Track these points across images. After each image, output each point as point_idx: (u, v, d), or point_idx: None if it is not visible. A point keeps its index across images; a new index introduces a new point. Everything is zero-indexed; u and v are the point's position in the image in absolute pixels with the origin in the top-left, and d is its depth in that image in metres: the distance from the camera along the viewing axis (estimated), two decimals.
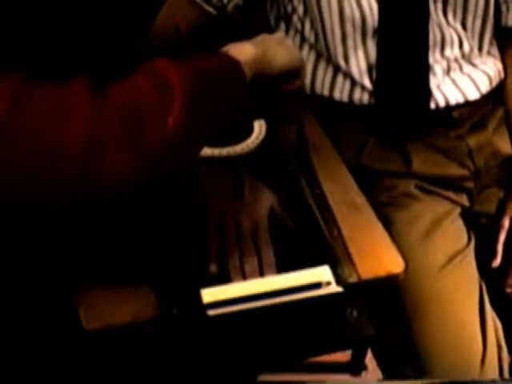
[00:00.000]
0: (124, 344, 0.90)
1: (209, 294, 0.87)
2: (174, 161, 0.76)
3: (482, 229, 1.28)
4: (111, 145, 0.69)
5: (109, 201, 0.73)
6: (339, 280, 0.90)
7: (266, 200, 0.97)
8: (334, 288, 0.89)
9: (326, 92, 1.23)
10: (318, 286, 0.89)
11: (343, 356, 1.10)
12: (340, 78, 1.22)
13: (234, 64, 0.85)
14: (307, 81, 1.24)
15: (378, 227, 1.02)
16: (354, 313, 0.91)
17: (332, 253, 0.94)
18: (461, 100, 1.22)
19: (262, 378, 1.00)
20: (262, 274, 0.92)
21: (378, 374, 1.10)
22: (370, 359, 1.11)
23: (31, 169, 0.68)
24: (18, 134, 0.67)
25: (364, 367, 1.10)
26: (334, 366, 1.10)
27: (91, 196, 0.71)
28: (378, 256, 0.98)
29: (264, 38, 0.94)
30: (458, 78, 1.22)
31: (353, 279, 0.91)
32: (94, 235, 0.89)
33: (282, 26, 1.25)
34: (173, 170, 0.77)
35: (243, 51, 0.88)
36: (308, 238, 0.96)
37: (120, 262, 0.91)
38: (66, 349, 0.94)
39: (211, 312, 0.86)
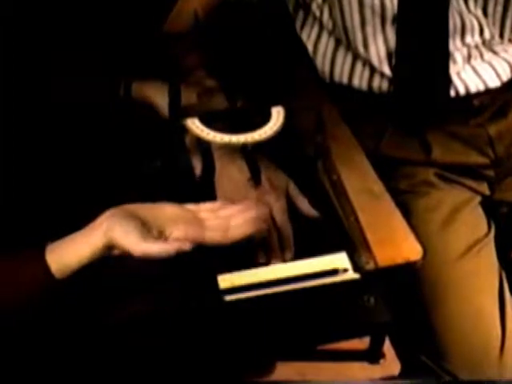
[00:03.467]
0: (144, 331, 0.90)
1: (225, 280, 0.87)
2: None
3: (502, 218, 1.27)
4: None
5: None
6: (356, 267, 0.90)
7: (283, 185, 0.97)
8: (351, 275, 0.89)
9: (344, 80, 1.23)
10: (335, 272, 0.90)
11: (361, 344, 1.10)
12: (359, 66, 1.21)
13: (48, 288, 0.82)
14: (326, 68, 1.24)
15: (397, 215, 1.02)
16: (372, 300, 0.91)
17: (349, 240, 0.94)
18: (481, 88, 1.21)
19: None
20: (282, 251, 0.92)
21: (396, 362, 1.09)
22: (387, 347, 1.11)
23: None
24: None
25: (382, 355, 1.10)
26: (352, 354, 1.10)
27: None
28: (396, 243, 0.97)
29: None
30: (479, 65, 1.21)
31: (370, 266, 0.91)
32: None
33: (301, 13, 1.24)
34: None
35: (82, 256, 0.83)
36: (325, 224, 0.96)
37: None
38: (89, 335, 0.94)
39: (228, 297, 0.87)
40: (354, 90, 1.23)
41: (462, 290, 1.11)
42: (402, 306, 1.13)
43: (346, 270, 0.89)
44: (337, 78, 1.24)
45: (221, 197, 0.97)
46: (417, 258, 0.96)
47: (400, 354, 1.11)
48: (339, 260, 0.90)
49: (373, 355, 1.08)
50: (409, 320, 1.13)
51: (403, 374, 1.09)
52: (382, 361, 1.09)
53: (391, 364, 1.10)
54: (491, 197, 1.26)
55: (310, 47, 1.25)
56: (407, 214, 1.15)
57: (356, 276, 0.89)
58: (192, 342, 0.89)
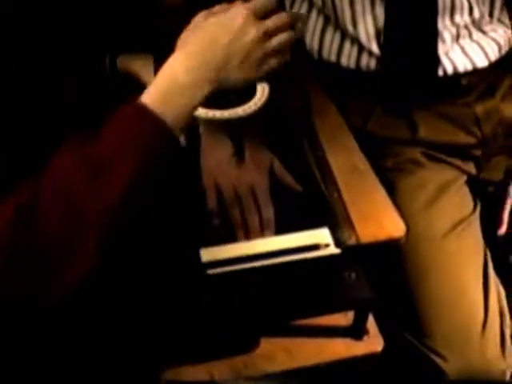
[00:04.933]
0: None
1: (208, 253, 0.88)
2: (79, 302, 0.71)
3: (488, 197, 1.27)
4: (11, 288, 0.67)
5: None
6: (338, 242, 0.91)
7: (266, 159, 0.97)
8: (333, 250, 0.90)
9: (333, 58, 1.23)
10: (316, 247, 0.90)
11: (345, 320, 1.11)
12: (347, 44, 1.21)
13: (169, 142, 0.74)
14: (315, 46, 1.24)
15: (380, 192, 1.02)
16: (353, 275, 0.91)
17: (332, 215, 0.94)
18: (469, 67, 1.21)
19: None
20: (262, 231, 0.93)
21: (379, 339, 1.10)
22: (371, 324, 1.11)
23: None
24: None
25: (365, 332, 1.10)
26: (336, 330, 1.11)
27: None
28: (379, 220, 0.98)
29: (212, 50, 0.80)
30: (467, 45, 1.21)
31: (352, 242, 0.92)
32: None
33: None
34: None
35: (187, 105, 0.76)
36: (308, 200, 0.97)
37: None
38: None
39: (210, 271, 0.87)
40: (342, 68, 1.23)
41: (446, 268, 1.12)
42: (386, 283, 1.14)
43: (327, 245, 0.89)
44: (325, 55, 1.24)
45: (205, 172, 0.97)
46: (399, 234, 0.97)
47: (383, 331, 1.11)
48: (321, 235, 0.91)
49: (356, 332, 1.09)
50: (392, 297, 1.14)
51: (386, 351, 1.09)
52: (365, 337, 1.10)
53: (374, 341, 1.10)
54: (477, 176, 1.26)
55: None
56: (393, 191, 1.16)
57: (337, 251, 0.89)
58: (174, 314, 0.89)
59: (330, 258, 0.90)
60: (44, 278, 0.67)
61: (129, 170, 0.70)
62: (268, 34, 0.83)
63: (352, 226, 0.93)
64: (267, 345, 1.09)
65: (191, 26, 0.84)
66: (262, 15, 0.84)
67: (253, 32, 0.82)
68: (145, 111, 0.73)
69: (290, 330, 1.08)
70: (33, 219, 0.67)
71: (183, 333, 0.95)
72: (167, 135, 0.73)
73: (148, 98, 0.74)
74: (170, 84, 0.77)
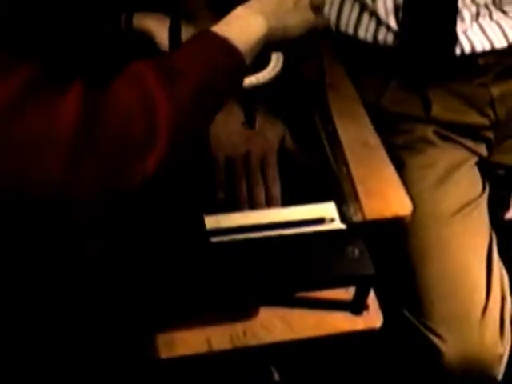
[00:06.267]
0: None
1: (212, 221, 0.88)
2: (153, 192, 0.71)
3: (498, 180, 1.27)
4: (84, 188, 0.66)
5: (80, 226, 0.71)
6: (344, 218, 0.90)
7: (277, 132, 0.96)
8: (337, 225, 0.89)
9: (350, 30, 1.21)
10: (321, 221, 0.90)
11: (346, 294, 1.11)
12: (366, 17, 1.20)
13: (233, 57, 0.77)
14: (333, 18, 1.22)
15: (389, 169, 1.01)
16: (356, 251, 0.91)
17: (339, 190, 0.94)
18: (487, 47, 1.19)
19: None
20: (268, 205, 0.93)
21: (379, 315, 1.10)
22: (372, 300, 1.11)
23: (9, 181, 0.65)
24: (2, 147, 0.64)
25: (365, 307, 1.11)
26: (337, 304, 1.11)
27: (62, 222, 0.69)
28: (386, 197, 0.98)
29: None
30: (487, 24, 1.20)
31: (357, 218, 0.91)
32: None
33: None
34: (150, 200, 0.74)
35: (249, 32, 0.80)
36: (317, 173, 0.96)
37: None
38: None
39: (213, 238, 0.87)
40: (359, 41, 1.21)
41: (450, 248, 1.12)
42: (390, 259, 1.14)
43: (332, 220, 0.89)
44: (343, 28, 1.22)
45: (215, 143, 0.96)
46: (405, 213, 0.96)
47: (383, 307, 1.11)
48: (327, 209, 0.90)
49: (356, 306, 1.09)
50: (395, 273, 1.14)
51: (385, 327, 1.10)
52: (364, 313, 1.10)
53: (374, 317, 1.10)
54: (488, 158, 1.25)
55: None
56: (402, 169, 1.15)
57: (342, 226, 0.89)
58: (176, 279, 0.89)
59: (335, 232, 0.89)
60: (122, 164, 0.67)
61: (198, 78, 0.73)
62: None
63: (358, 202, 0.93)
64: (266, 314, 1.09)
65: None
66: None
67: None
68: (208, 31, 0.78)
69: (290, 301, 1.08)
70: (105, 106, 0.68)
71: (182, 295, 0.95)
72: (233, 52, 0.77)
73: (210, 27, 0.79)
74: (230, 16, 0.81)
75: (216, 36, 0.77)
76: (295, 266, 0.90)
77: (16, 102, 0.65)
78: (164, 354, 1.05)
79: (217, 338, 1.07)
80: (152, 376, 1.06)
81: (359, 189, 0.96)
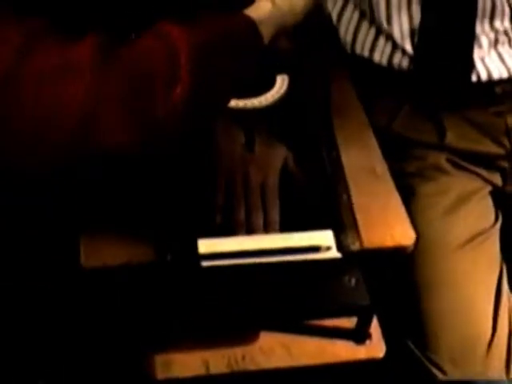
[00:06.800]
0: (119, 284, 0.90)
1: (205, 245, 0.87)
2: (180, 129, 0.74)
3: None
4: (112, 112, 0.68)
5: (106, 164, 0.72)
6: (340, 246, 0.89)
7: (280, 156, 0.95)
8: (333, 253, 0.88)
9: (366, 53, 1.20)
10: (317, 249, 0.88)
11: (349, 323, 1.09)
12: (381, 41, 1.18)
13: (249, 24, 0.82)
14: (348, 39, 1.21)
15: (394, 197, 0.99)
16: (353, 281, 0.89)
17: (338, 218, 0.92)
18: (505, 75, 1.17)
19: None
20: (265, 231, 0.91)
21: (382, 345, 1.08)
22: (375, 329, 1.09)
23: (29, 121, 0.67)
24: (21, 86, 0.66)
25: (368, 336, 1.08)
26: (339, 332, 1.09)
27: (86, 158, 0.70)
28: (389, 226, 0.95)
29: None
30: (506, 52, 1.17)
31: (355, 247, 0.89)
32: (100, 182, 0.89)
33: None
34: (178, 138, 0.75)
35: (259, 9, 0.86)
36: (317, 200, 0.94)
37: (126, 205, 0.91)
38: (65, 284, 0.95)
39: (205, 263, 0.86)
40: (374, 64, 1.20)
41: (457, 281, 1.09)
42: (396, 288, 1.11)
43: (328, 248, 0.87)
44: (358, 50, 1.21)
45: (216, 165, 0.95)
46: (408, 243, 0.94)
47: (387, 338, 1.09)
48: (324, 237, 0.88)
49: (359, 335, 1.07)
50: (401, 303, 1.12)
51: (387, 358, 1.07)
52: (367, 342, 1.08)
53: (376, 346, 1.08)
54: (503, 188, 1.22)
55: (334, 16, 1.22)
56: (412, 197, 1.13)
57: (338, 255, 0.87)
58: (166, 301, 0.88)
59: (330, 261, 0.87)
60: (148, 92, 0.69)
61: (215, 35, 0.77)
62: None
63: (357, 231, 0.91)
64: (266, 340, 1.07)
65: None
66: None
67: None
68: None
69: (291, 327, 1.07)
70: (125, 46, 0.71)
71: (178, 317, 0.94)
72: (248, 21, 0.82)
73: None
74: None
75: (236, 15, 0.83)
76: (289, 295, 0.88)
77: (33, 40, 0.67)
78: (161, 374, 1.05)
79: (215, 361, 1.06)
80: None
81: (361, 217, 0.94)
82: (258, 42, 0.83)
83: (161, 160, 0.86)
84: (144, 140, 0.70)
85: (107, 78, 0.68)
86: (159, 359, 1.05)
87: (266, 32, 0.84)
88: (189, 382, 1.05)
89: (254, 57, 0.83)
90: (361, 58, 1.21)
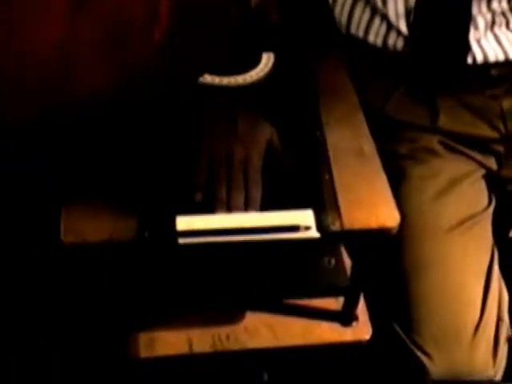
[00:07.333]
0: (99, 261, 0.90)
1: (183, 222, 0.86)
2: (159, 73, 0.72)
3: (507, 195, 1.22)
4: (89, 52, 0.66)
5: (84, 110, 0.71)
6: (320, 226, 0.88)
7: (265, 134, 0.94)
8: (312, 234, 0.87)
9: (360, 34, 1.18)
10: (296, 229, 0.87)
11: (335, 304, 1.08)
12: (376, 21, 1.16)
13: None
14: (343, 20, 1.19)
15: (381, 178, 0.98)
16: (332, 261, 0.88)
17: (319, 198, 0.91)
18: (501, 58, 1.15)
19: None
20: (246, 210, 0.90)
21: (368, 327, 1.07)
22: (362, 311, 1.08)
23: (7, 63, 0.66)
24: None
25: (355, 318, 1.08)
26: (325, 313, 1.08)
27: (64, 103, 0.69)
28: (374, 207, 0.94)
29: None
30: (503, 33, 1.15)
31: (335, 227, 0.88)
32: (83, 153, 0.89)
33: None
34: (157, 86, 0.74)
35: None
36: (299, 180, 0.94)
37: (107, 181, 0.91)
38: (45, 258, 0.95)
39: (183, 240, 0.85)
40: (368, 45, 1.18)
41: (446, 263, 1.08)
42: (385, 271, 1.10)
43: (308, 228, 0.86)
44: (353, 30, 1.19)
45: (200, 142, 0.94)
46: (392, 224, 0.93)
47: (373, 319, 1.08)
48: (304, 217, 0.87)
49: (345, 317, 1.06)
50: (388, 286, 1.11)
51: (373, 340, 1.07)
52: (354, 324, 1.07)
53: (363, 328, 1.08)
54: (498, 172, 1.21)
55: None
56: (403, 179, 1.12)
57: (316, 235, 0.86)
58: (145, 278, 0.88)
59: (309, 241, 0.86)
60: (127, 32, 0.68)
61: None
62: None
63: (338, 211, 0.89)
64: (252, 320, 1.07)
65: None
66: None
67: None
68: None
69: (277, 308, 1.06)
70: None
71: (158, 298, 0.94)
72: None
73: None
74: None
75: None
76: (267, 274, 0.88)
77: None
78: (144, 353, 1.05)
79: (199, 340, 1.06)
80: (131, 375, 1.05)
81: (344, 197, 0.93)
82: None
83: (141, 122, 0.85)
84: (121, 83, 0.69)
85: (83, 20, 0.66)
86: (143, 338, 1.05)
87: None
88: (173, 360, 1.05)
89: (237, 12, 0.81)
90: (356, 38, 1.19)
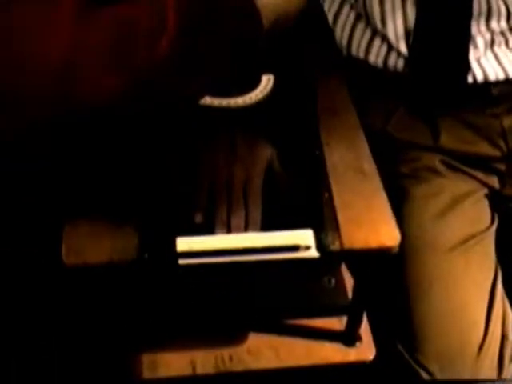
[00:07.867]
0: (100, 282, 0.91)
1: (183, 243, 0.86)
2: (164, 88, 0.71)
3: (509, 214, 1.22)
4: (93, 63, 0.65)
5: (86, 122, 0.70)
6: (320, 246, 0.88)
7: (263, 156, 0.94)
8: (312, 253, 0.87)
9: (361, 55, 1.19)
10: (296, 249, 0.87)
11: (339, 324, 1.08)
12: (377, 42, 1.17)
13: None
14: (344, 41, 1.20)
15: (381, 197, 0.98)
16: (333, 281, 0.88)
17: (318, 218, 0.91)
18: (501, 77, 1.15)
19: None
20: (246, 230, 0.90)
21: (372, 347, 1.07)
22: (365, 331, 1.08)
23: (5, 77, 0.66)
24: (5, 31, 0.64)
25: (358, 338, 1.08)
26: (328, 334, 1.08)
27: (67, 115, 0.68)
28: (373, 226, 0.94)
29: None
30: (502, 52, 1.16)
31: (335, 247, 0.88)
32: (84, 171, 0.90)
33: None
34: (162, 98, 0.73)
35: None
36: (299, 200, 0.94)
37: (108, 202, 0.92)
38: (46, 281, 0.95)
39: (183, 261, 0.86)
40: (369, 65, 1.19)
41: (449, 282, 1.08)
42: (388, 291, 1.10)
43: (307, 248, 0.86)
44: (354, 51, 1.20)
45: (200, 164, 0.94)
46: (393, 243, 0.93)
47: (376, 339, 1.08)
48: (304, 237, 0.87)
49: (349, 337, 1.06)
50: (391, 306, 1.11)
51: (376, 361, 1.06)
52: (357, 344, 1.07)
53: (366, 348, 1.07)
54: (501, 191, 1.21)
55: (330, 18, 1.22)
56: (405, 199, 1.13)
57: (316, 255, 0.86)
58: (145, 299, 0.89)
59: (309, 261, 0.87)
60: (132, 43, 0.67)
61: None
62: None
63: (338, 231, 0.90)
64: (255, 341, 1.07)
65: None
66: None
67: None
68: None
69: (280, 328, 1.06)
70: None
71: (160, 319, 0.94)
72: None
73: None
74: None
75: None
76: (267, 294, 0.88)
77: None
78: (147, 374, 1.05)
79: (202, 361, 1.06)
80: None
81: (344, 216, 0.93)
82: (253, 16, 0.79)
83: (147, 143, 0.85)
84: (126, 92, 0.68)
85: (87, 30, 0.66)
86: (146, 359, 1.05)
87: (267, 14, 0.80)
88: (176, 382, 1.05)
89: (248, 30, 0.79)
90: (356, 59, 1.20)
